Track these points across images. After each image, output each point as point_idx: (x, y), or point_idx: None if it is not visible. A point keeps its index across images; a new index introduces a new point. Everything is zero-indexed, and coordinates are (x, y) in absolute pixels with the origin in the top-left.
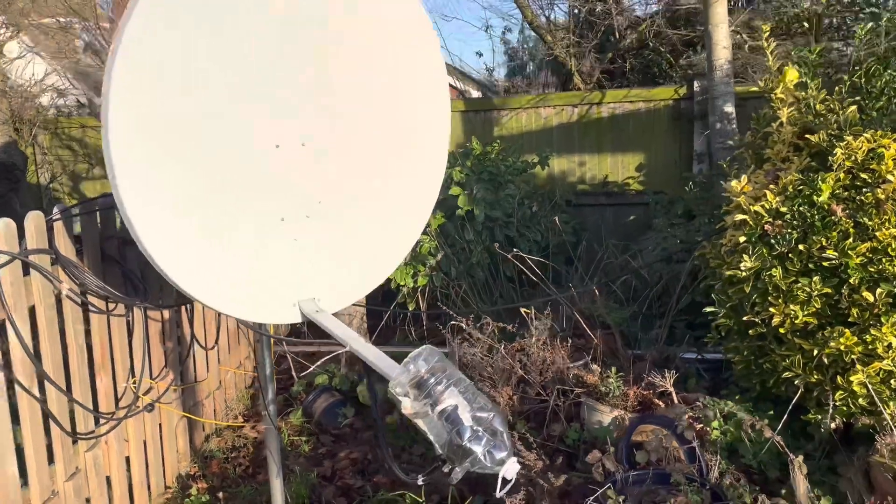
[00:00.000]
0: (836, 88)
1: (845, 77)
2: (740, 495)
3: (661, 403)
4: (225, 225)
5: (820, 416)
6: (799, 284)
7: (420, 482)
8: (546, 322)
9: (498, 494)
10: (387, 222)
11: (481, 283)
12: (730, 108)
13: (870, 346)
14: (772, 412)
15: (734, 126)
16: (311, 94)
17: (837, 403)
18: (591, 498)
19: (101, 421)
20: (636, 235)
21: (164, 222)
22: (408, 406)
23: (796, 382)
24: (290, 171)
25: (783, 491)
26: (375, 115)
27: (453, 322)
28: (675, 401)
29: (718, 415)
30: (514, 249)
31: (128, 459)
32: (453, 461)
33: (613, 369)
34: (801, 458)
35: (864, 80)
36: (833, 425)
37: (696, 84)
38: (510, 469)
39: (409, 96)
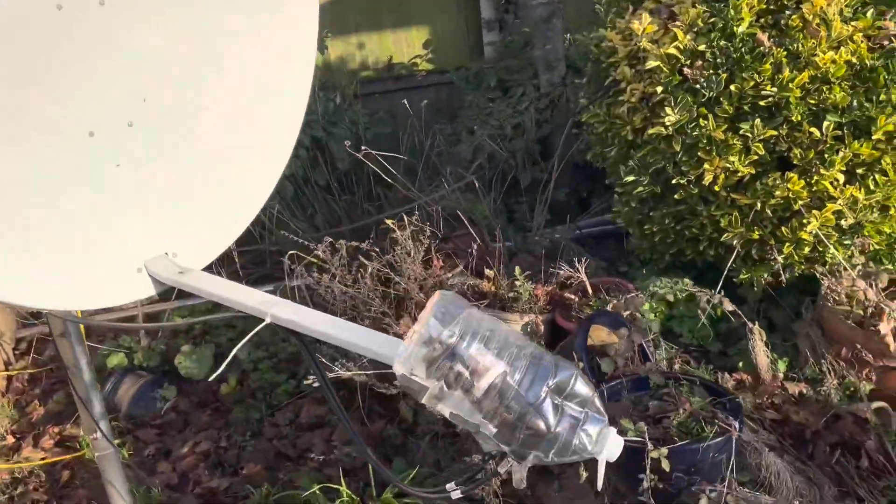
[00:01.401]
0: None
1: None
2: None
3: (573, 297)
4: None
5: (757, 275)
6: (738, 132)
7: (456, 495)
8: (410, 231)
9: (599, 486)
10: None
11: (302, 200)
12: None
13: (815, 189)
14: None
15: None
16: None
17: (783, 256)
18: None
19: None
20: (439, 120)
21: None
22: (436, 393)
23: (734, 242)
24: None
25: (741, 363)
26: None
27: (293, 252)
28: (590, 291)
29: (660, 297)
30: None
31: None
32: (511, 454)
33: (518, 269)
34: (757, 324)
35: None
36: (765, 281)
37: None
38: (614, 446)
39: None
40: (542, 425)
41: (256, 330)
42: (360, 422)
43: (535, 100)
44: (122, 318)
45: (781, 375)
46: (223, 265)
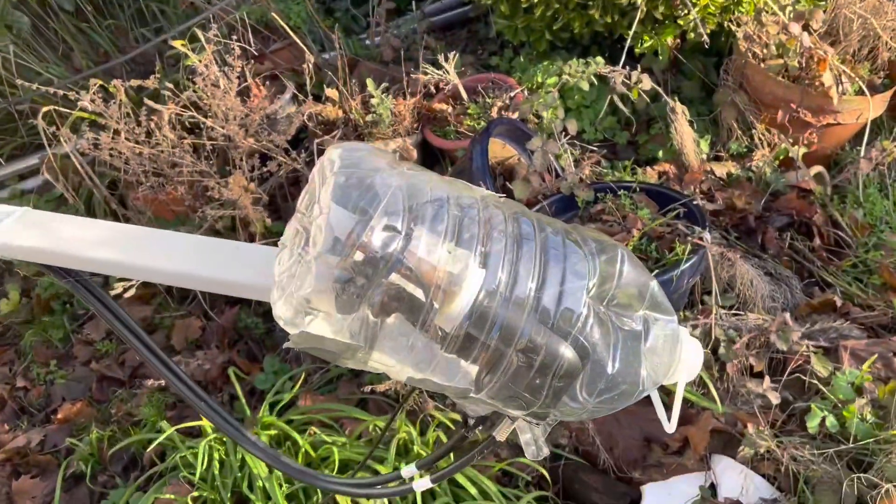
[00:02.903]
0: None
1: None
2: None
3: (444, 107)
4: None
5: (663, 39)
6: None
7: (422, 487)
8: (211, 51)
9: (671, 428)
10: None
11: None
12: None
13: None
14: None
15: None
16: None
17: (697, 9)
18: None
19: None
20: None
21: None
22: (367, 338)
23: (642, 7)
24: None
25: (660, 153)
26: None
27: (50, 108)
28: (464, 96)
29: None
30: None
31: None
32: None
33: (370, 82)
34: (677, 101)
35: None
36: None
37: None
38: (694, 359)
39: None
40: (571, 361)
41: None
42: (203, 315)
43: None
44: None
45: (705, 157)
46: None
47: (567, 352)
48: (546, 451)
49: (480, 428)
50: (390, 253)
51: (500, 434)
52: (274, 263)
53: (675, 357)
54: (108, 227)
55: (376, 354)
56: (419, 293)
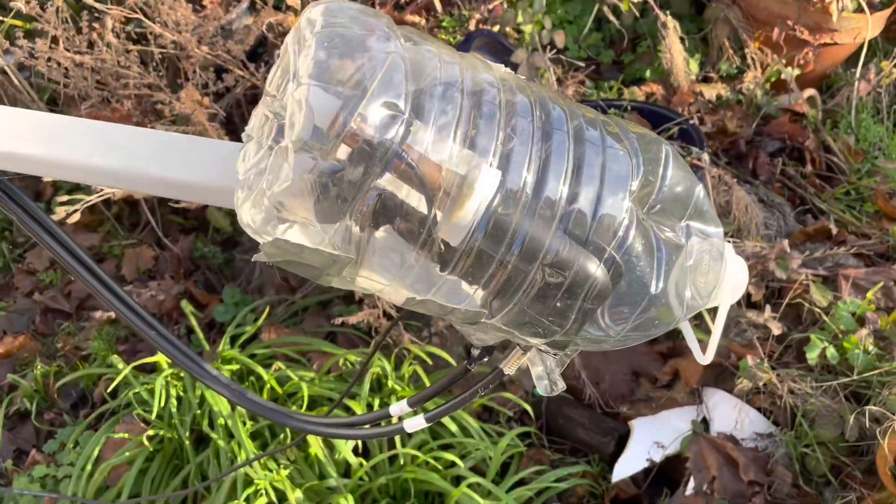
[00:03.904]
0: None
1: None
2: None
3: (416, 19)
4: None
5: None
6: None
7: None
8: None
9: (706, 360)
10: None
11: None
12: None
13: None
14: None
15: None
16: None
17: None
18: None
19: None
20: None
21: None
22: (356, 248)
23: None
24: None
25: (647, 72)
26: None
27: None
28: (438, 6)
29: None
30: None
31: None
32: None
33: None
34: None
35: None
36: None
37: None
38: (739, 275)
39: None
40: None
41: None
42: (156, 243)
43: None
44: None
45: (694, 78)
46: None
47: (601, 270)
48: (562, 386)
49: (486, 359)
50: (388, 140)
51: (509, 367)
52: (238, 160)
53: (720, 276)
54: (33, 115)
55: (365, 272)
56: (419, 199)
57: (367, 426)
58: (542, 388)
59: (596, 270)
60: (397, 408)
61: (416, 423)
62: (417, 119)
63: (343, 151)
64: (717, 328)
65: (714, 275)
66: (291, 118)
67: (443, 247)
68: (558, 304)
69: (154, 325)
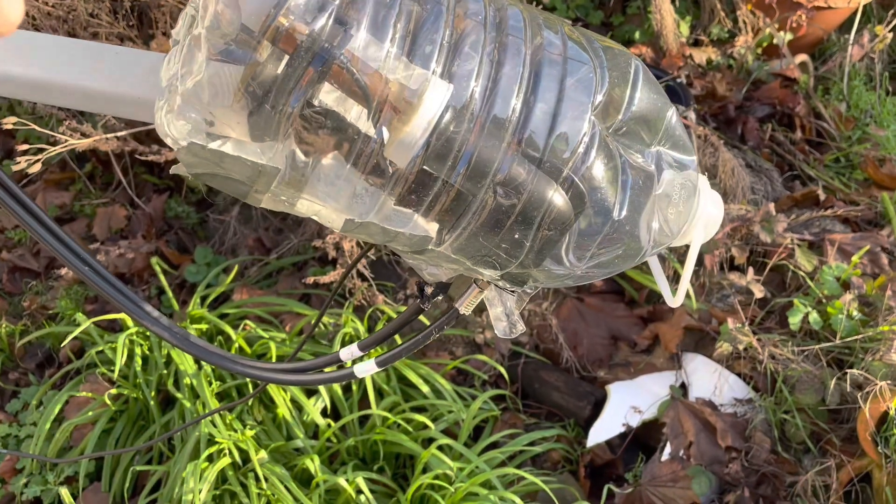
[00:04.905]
0: None
1: None
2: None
3: None
4: None
5: None
6: None
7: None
8: None
9: (676, 302)
10: None
11: None
12: None
13: None
14: None
15: None
16: None
17: None
18: None
19: None
20: None
21: None
22: (298, 172)
23: None
24: None
25: (637, 34)
26: None
27: None
28: None
29: None
30: None
31: None
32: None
33: None
34: None
35: None
36: None
37: None
38: (713, 210)
39: None
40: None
41: None
42: (129, 203)
43: None
44: None
45: (684, 40)
46: None
47: (558, 192)
48: (521, 328)
49: (440, 298)
50: (316, 32)
51: (465, 306)
52: (162, 68)
53: (692, 210)
54: None
55: (306, 195)
56: (359, 110)
57: (316, 371)
58: (500, 330)
59: (552, 192)
60: (347, 352)
61: (366, 368)
62: (355, 17)
63: (280, 46)
64: (688, 266)
65: (686, 208)
66: (206, 2)
67: (388, 168)
68: (513, 231)
69: (88, 262)
